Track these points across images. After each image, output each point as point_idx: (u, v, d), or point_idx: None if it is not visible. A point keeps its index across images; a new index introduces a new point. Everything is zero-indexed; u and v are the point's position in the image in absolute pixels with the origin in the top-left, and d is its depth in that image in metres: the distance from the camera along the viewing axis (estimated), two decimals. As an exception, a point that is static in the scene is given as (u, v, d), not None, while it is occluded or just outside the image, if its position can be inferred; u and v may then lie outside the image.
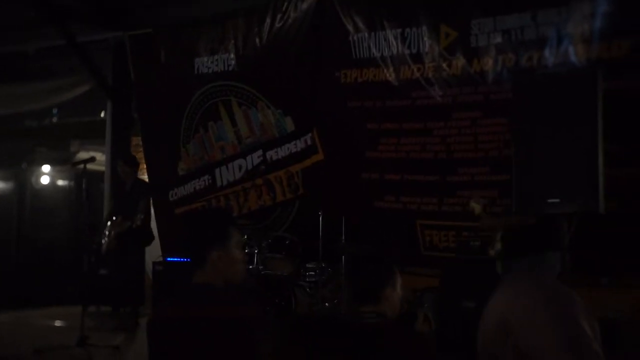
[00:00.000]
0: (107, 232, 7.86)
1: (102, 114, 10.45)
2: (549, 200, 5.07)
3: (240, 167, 8.64)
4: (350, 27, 7.63)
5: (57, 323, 8.01)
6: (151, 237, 8.46)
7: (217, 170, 8.83)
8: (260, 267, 7.27)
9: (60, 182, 10.79)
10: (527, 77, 5.84)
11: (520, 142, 5.37)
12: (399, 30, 7.33)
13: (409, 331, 2.84)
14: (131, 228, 7.53)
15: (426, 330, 3.04)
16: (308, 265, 7.35)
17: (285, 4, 8.11)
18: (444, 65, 7.08)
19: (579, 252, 5.22)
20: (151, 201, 8.42)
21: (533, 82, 5.51)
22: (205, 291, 2.54)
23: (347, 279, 7.03)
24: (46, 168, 10.69)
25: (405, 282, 3.06)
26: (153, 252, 9.10)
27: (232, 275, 2.58)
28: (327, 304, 7.09)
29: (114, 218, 7.91)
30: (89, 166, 6.94)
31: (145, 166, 9.94)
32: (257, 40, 8.38)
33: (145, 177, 9.44)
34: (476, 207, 6.18)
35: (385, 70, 7.43)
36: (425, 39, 7.18)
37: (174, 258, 8.45)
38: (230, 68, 8.64)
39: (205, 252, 2.56)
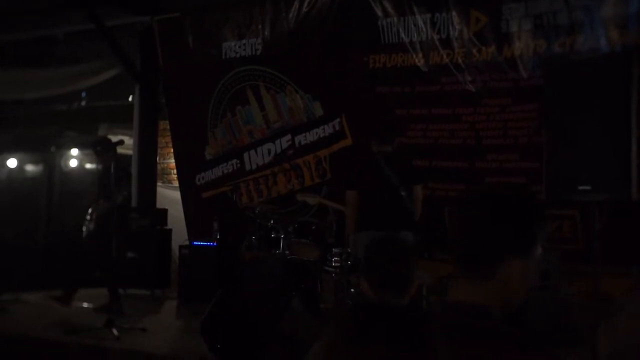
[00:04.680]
0: (88, 217, 7.88)
1: (130, 98, 10.50)
2: (580, 188, 5.00)
3: (269, 151, 8.63)
4: (379, 12, 7.57)
5: (85, 305, 8.06)
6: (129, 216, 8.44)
7: (246, 155, 8.84)
8: (286, 252, 7.26)
9: (88, 166, 10.84)
10: (560, 63, 5.74)
11: (551, 128, 5.29)
12: (429, 15, 7.27)
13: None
14: (111, 209, 7.48)
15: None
16: (334, 251, 7.31)
17: (314, -12, 8.07)
18: (474, 50, 7.02)
19: (610, 240, 5.18)
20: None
21: (565, 67, 5.41)
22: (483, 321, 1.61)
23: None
24: (75, 151, 10.74)
25: (432, 268, 2.96)
26: (179, 236, 9.15)
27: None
28: (352, 289, 7.05)
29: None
30: (118, 149, 6.95)
31: (172, 150, 9.99)
32: (285, 24, 8.35)
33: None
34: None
35: (414, 56, 7.37)
36: (455, 24, 7.12)
37: (200, 242, 8.49)
38: (258, 52, 8.63)
39: (501, 259, 1.64)
